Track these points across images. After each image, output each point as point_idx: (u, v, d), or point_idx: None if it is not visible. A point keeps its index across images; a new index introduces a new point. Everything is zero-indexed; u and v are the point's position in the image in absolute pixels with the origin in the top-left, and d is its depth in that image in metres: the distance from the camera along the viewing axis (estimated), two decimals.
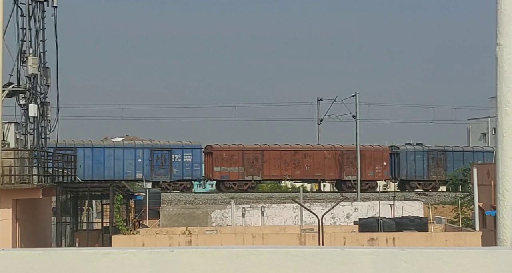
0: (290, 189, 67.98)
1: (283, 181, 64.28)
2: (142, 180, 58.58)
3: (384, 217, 32.94)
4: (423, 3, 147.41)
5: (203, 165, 59.83)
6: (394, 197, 41.50)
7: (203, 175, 59.75)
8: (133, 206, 38.42)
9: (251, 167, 59.36)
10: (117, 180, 57.78)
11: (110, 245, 27.80)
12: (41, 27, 32.03)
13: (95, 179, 56.38)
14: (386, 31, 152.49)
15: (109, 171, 57.28)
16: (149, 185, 56.79)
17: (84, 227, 35.71)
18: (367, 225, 31.09)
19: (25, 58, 31.49)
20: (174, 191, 58.57)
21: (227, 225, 38.25)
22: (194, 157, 59.14)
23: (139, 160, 58.07)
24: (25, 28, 31.63)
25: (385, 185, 77.39)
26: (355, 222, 34.96)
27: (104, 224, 33.57)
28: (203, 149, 60.14)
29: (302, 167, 60.13)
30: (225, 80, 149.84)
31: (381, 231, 30.17)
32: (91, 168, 56.85)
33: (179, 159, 58.67)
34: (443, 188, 64.16)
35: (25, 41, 31.64)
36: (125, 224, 31.06)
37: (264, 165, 59.52)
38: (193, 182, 60.13)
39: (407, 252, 5.74)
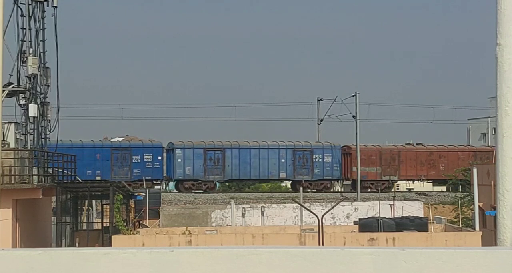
0: (290, 189, 67.95)
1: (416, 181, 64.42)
2: (285, 179, 61.87)
3: (384, 217, 32.94)
4: (423, 3, 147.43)
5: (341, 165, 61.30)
6: (394, 197, 41.52)
7: (341, 175, 61.27)
8: (133, 206, 38.42)
9: (388, 167, 60.69)
10: (262, 180, 60.88)
11: (110, 245, 27.80)
12: (41, 27, 32.03)
13: (242, 178, 60.49)
14: (386, 31, 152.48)
15: (255, 170, 59.49)
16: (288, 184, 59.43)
17: (84, 227, 35.71)
18: (367, 225, 31.10)
19: (25, 58, 31.49)
20: (312, 190, 59.79)
21: (227, 225, 38.26)
22: (334, 157, 60.80)
23: (282, 160, 60.07)
24: (25, 28, 31.63)
25: None
26: (355, 222, 34.97)
27: (104, 224, 33.57)
28: (341, 150, 61.61)
29: (437, 167, 61.40)
30: (225, 80, 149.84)
31: (381, 231, 30.17)
32: (238, 167, 59.15)
33: (320, 159, 60.41)
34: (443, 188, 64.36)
35: (25, 41, 31.64)
36: (125, 224, 31.06)
37: (401, 165, 60.93)
38: (332, 182, 61.73)
39: (407, 252, 5.74)
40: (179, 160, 58.41)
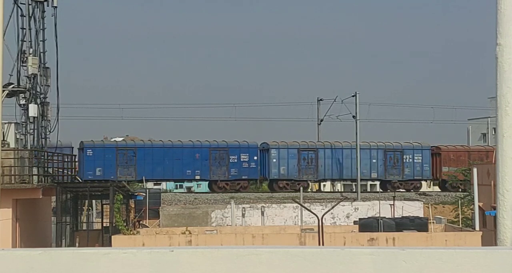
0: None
1: None
2: (376, 179, 63.17)
3: (384, 217, 32.94)
4: (423, 3, 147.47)
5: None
6: (394, 197, 41.52)
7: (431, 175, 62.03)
8: (133, 206, 38.44)
9: None
10: (354, 180, 61.04)
11: (110, 245, 27.81)
12: (41, 27, 32.04)
13: (335, 178, 62.25)
14: (386, 31, 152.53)
15: (347, 170, 60.70)
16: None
17: (84, 227, 35.72)
18: (367, 225, 31.10)
19: (25, 58, 31.49)
20: (402, 190, 60.28)
21: (227, 225, 38.26)
22: (424, 158, 61.58)
23: (374, 161, 61.16)
24: (25, 28, 31.64)
25: None
26: (355, 222, 34.97)
27: (104, 224, 33.58)
28: (430, 150, 62.23)
29: None
30: (225, 80, 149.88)
31: (381, 231, 30.18)
32: (331, 167, 60.47)
33: (410, 160, 61.37)
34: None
35: (25, 41, 31.65)
36: (125, 224, 31.07)
37: None
38: (421, 181, 62.51)
39: (407, 252, 5.74)
40: (274, 160, 59.49)
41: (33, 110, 31.35)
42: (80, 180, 37.42)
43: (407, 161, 61.53)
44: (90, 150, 57.03)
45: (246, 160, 59.41)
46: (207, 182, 61.83)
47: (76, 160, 54.66)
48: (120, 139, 68.84)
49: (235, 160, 59.16)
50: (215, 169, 58.83)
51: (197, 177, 59.03)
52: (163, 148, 57.94)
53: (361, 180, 61.16)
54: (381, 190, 62.42)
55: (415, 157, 61.38)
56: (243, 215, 39.75)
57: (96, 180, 55.19)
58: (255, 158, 59.65)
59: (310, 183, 62.80)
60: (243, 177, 59.24)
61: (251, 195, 57.00)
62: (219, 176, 58.55)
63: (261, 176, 60.73)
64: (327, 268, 5.70)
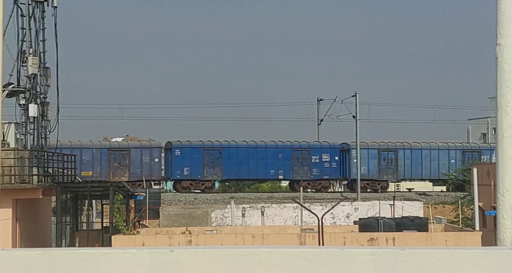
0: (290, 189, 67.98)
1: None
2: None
3: (384, 217, 32.93)
4: (423, 3, 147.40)
5: None
6: (394, 197, 41.51)
7: None
8: (133, 206, 38.42)
9: None
10: (433, 179, 62.73)
11: (110, 245, 27.80)
12: (41, 27, 32.04)
13: (414, 178, 62.99)
14: (386, 31, 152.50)
15: (426, 170, 62.36)
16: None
17: (84, 227, 35.71)
18: (367, 225, 31.09)
19: (25, 58, 31.49)
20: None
21: (227, 225, 38.26)
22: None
23: (452, 161, 62.60)
24: (25, 28, 31.64)
25: None
26: (355, 222, 34.96)
27: (104, 224, 33.57)
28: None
29: None
30: (225, 80, 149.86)
31: (381, 231, 30.17)
32: (410, 168, 62.16)
33: (488, 160, 61.37)
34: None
35: (25, 41, 31.65)
36: (125, 224, 31.06)
37: None
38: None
39: (407, 252, 5.74)
40: (355, 160, 60.15)
41: (33, 110, 31.35)
42: (80, 180, 37.40)
43: (486, 161, 61.53)
44: (178, 150, 58.71)
45: (327, 160, 60.53)
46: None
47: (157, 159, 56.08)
48: (120, 139, 68.82)
49: (317, 160, 60.37)
50: (297, 169, 60.16)
51: (280, 177, 60.82)
52: (248, 149, 59.73)
53: (441, 180, 62.56)
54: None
55: (494, 158, 61.63)
56: (243, 215, 39.74)
57: (183, 179, 58.29)
58: (336, 158, 60.79)
59: (389, 183, 63.72)
60: (325, 177, 60.42)
61: (251, 195, 56.99)
62: (301, 176, 59.88)
63: (342, 176, 61.55)
64: (327, 268, 5.69)
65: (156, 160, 58.93)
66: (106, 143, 60.03)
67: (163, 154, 59.80)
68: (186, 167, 58.37)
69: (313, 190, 59.80)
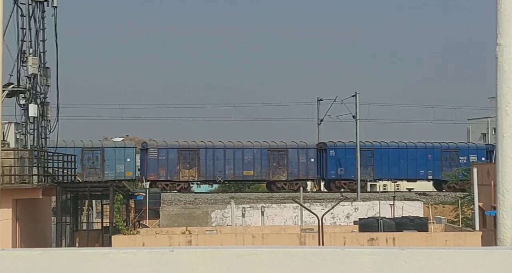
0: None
1: None
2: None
3: (384, 217, 32.93)
4: (423, 3, 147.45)
5: None
6: (394, 197, 41.51)
7: None
8: (133, 206, 38.43)
9: None
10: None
11: (110, 245, 27.81)
12: (41, 27, 32.03)
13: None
14: (386, 31, 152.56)
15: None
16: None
17: (84, 227, 35.71)
18: (367, 225, 31.09)
19: (25, 58, 31.49)
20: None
21: (227, 225, 38.26)
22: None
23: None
24: (25, 28, 31.63)
25: None
26: (355, 222, 34.96)
27: (104, 224, 33.57)
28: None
29: None
30: (225, 80, 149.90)
31: (381, 231, 30.17)
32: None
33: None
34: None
35: (25, 41, 31.64)
36: (125, 224, 31.06)
37: None
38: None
39: (407, 252, 5.74)
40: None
41: (33, 110, 31.35)
42: (80, 180, 37.39)
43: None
44: (333, 151, 60.75)
45: (474, 161, 60.98)
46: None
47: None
48: (120, 139, 68.94)
49: (464, 161, 61.30)
50: (446, 170, 61.23)
51: (429, 177, 62.24)
52: (398, 149, 61.38)
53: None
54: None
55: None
56: (243, 215, 39.75)
57: (337, 179, 60.18)
58: (483, 159, 61.58)
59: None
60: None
61: (251, 195, 56.99)
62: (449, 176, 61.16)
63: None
64: (327, 268, 5.70)
65: (312, 160, 60.83)
66: (265, 144, 61.42)
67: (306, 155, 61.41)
68: (341, 167, 60.48)
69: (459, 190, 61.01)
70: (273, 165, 60.21)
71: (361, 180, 59.93)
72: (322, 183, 63.70)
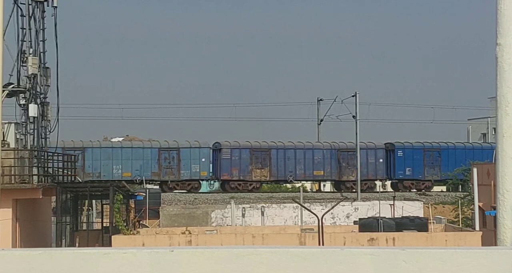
0: (290, 189, 68.01)
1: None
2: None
3: (384, 217, 32.92)
4: (423, 3, 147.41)
5: None
6: (394, 197, 41.51)
7: None
8: (133, 206, 38.42)
9: None
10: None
11: (110, 245, 27.80)
12: (41, 27, 32.03)
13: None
14: (386, 31, 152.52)
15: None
16: None
17: (84, 227, 35.71)
18: (367, 225, 31.08)
19: (25, 58, 31.48)
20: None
21: (227, 225, 38.26)
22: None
23: (381, 160, 62.56)
24: (25, 28, 31.63)
25: None
26: (355, 222, 34.96)
27: (104, 224, 33.57)
28: None
29: None
30: (226, 80, 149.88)
31: (381, 231, 30.16)
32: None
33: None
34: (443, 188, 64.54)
35: (25, 41, 31.64)
36: (125, 224, 31.06)
37: None
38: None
39: (407, 252, 5.74)
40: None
41: (33, 110, 31.34)
42: (80, 180, 37.36)
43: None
44: (401, 151, 61.51)
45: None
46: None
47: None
48: (120, 139, 68.91)
49: None
50: None
51: None
52: (464, 150, 61.93)
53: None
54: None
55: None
56: (243, 215, 39.75)
57: (405, 179, 61.19)
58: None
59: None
60: None
61: (251, 195, 56.97)
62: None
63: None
64: (327, 268, 5.70)
65: (381, 160, 61.52)
66: (335, 144, 62.09)
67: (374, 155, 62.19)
68: (408, 167, 61.10)
69: None
70: (342, 165, 61.05)
71: (427, 180, 61.15)
72: (389, 183, 64.48)
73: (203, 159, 59.22)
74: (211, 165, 60.29)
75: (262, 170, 59.86)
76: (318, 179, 63.03)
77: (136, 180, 57.21)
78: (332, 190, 65.92)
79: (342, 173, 60.95)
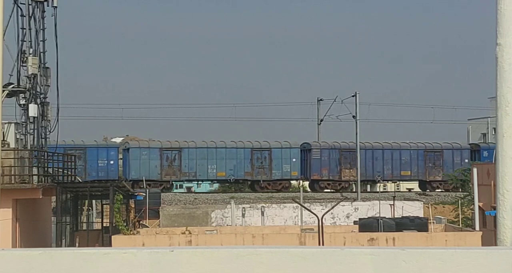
0: (290, 189, 68.03)
1: None
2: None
3: (384, 217, 32.91)
4: (423, 3, 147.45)
5: None
6: (394, 197, 41.49)
7: None
8: (133, 206, 38.41)
9: None
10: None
11: (110, 245, 27.79)
12: (41, 27, 32.02)
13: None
14: (386, 31, 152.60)
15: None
16: None
17: (84, 227, 35.69)
18: (367, 225, 31.07)
19: (25, 58, 31.48)
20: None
21: (227, 225, 38.24)
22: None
23: (294, 160, 62.60)
24: (25, 28, 31.62)
25: None
26: (355, 222, 34.94)
27: (104, 224, 33.56)
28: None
29: None
30: (226, 80, 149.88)
31: (381, 231, 30.15)
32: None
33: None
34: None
35: (25, 41, 31.63)
36: (125, 224, 31.05)
37: None
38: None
39: (407, 252, 5.74)
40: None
41: (33, 110, 31.34)
42: (80, 180, 37.35)
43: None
44: (486, 152, 61.72)
45: None
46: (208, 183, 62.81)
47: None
48: (120, 139, 68.90)
49: None
50: None
51: None
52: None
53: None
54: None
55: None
56: (243, 215, 39.74)
57: None
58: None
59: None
60: None
61: (251, 195, 57.00)
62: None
63: None
64: (327, 268, 5.70)
65: (466, 160, 61.77)
66: (421, 145, 62.92)
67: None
68: None
69: None
70: (429, 165, 61.81)
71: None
72: None
73: (294, 159, 60.50)
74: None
75: (351, 170, 60.95)
76: (405, 179, 64.22)
77: (230, 179, 59.22)
78: (417, 190, 66.05)
79: (429, 173, 61.88)
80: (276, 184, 60.07)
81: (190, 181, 62.05)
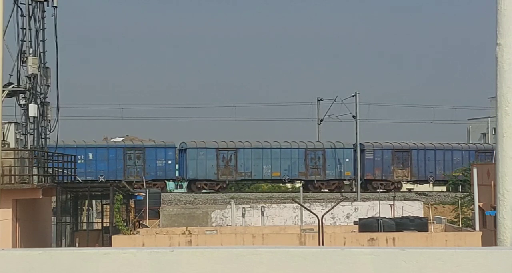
0: (290, 189, 68.00)
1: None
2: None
3: (384, 217, 32.92)
4: (423, 3, 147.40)
5: None
6: (394, 197, 41.50)
7: None
8: (133, 206, 38.41)
9: None
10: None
11: (110, 245, 27.80)
12: (41, 27, 32.03)
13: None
14: (387, 31, 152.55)
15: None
16: None
17: (84, 227, 35.70)
18: (367, 225, 31.08)
19: (25, 58, 31.48)
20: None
21: (227, 225, 38.25)
22: None
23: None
24: (25, 28, 31.63)
25: None
26: (355, 222, 34.95)
27: (104, 224, 33.56)
28: None
29: None
30: (226, 80, 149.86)
31: (381, 231, 30.16)
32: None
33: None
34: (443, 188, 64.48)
35: (25, 41, 31.64)
36: (125, 224, 31.05)
37: None
38: None
39: (407, 252, 5.74)
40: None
41: (33, 110, 31.34)
42: (80, 180, 37.35)
43: None
44: None
45: None
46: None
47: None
48: (120, 139, 68.84)
49: None
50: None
51: None
52: None
53: None
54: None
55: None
56: (243, 215, 39.75)
57: None
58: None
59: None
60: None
61: (251, 195, 57.01)
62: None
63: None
64: (327, 268, 5.69)
65: None
66: (473, 146, 63.98)
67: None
68: None
69: None
70: None
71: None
72: None
73: (347, 160, 60.85)
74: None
75: (403, 170, 61.53)
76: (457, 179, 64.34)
77: (284, 179, 59.93)
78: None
79: None
80: (329, 184, 60.64)
81: (246, 181, 62.58)
